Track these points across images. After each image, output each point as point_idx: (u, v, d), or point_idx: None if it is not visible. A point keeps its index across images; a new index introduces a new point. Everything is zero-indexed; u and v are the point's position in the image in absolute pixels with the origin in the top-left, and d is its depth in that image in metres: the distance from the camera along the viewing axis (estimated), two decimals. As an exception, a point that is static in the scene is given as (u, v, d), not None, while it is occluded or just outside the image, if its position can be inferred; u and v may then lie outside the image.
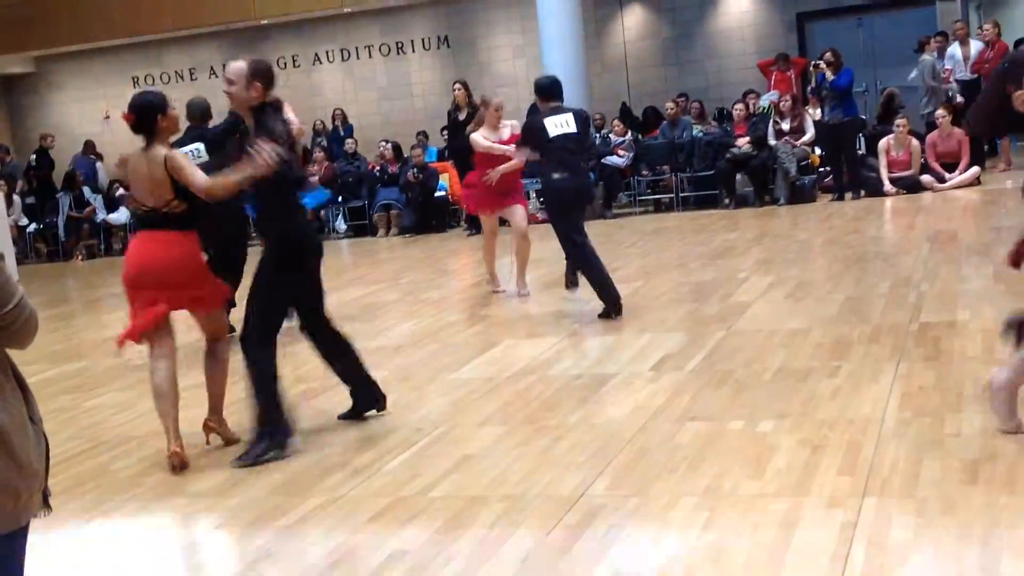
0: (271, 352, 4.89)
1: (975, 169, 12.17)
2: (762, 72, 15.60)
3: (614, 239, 11.17)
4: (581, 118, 7.43)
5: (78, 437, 5.59)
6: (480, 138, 8.20)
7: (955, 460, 3.87)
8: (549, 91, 7.43)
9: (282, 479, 4.54)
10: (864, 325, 6.12)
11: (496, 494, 4.08)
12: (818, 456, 4.08)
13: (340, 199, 15.01)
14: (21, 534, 2.23)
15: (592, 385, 5.56)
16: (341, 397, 5.76)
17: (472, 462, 4.49)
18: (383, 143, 15.22)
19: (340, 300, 7.91)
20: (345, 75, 18.89)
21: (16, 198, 16.75)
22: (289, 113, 7.21)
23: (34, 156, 17.35)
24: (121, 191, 16.41)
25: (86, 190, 16.45)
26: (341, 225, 15.11)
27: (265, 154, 4.52)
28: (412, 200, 14.28)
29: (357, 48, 18.76)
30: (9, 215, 15.85)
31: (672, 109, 14.19)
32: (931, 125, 12.59)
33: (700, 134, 13.85)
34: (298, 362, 6.64)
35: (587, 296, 7.37)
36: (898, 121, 12.37)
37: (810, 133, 12.98)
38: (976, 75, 13.03)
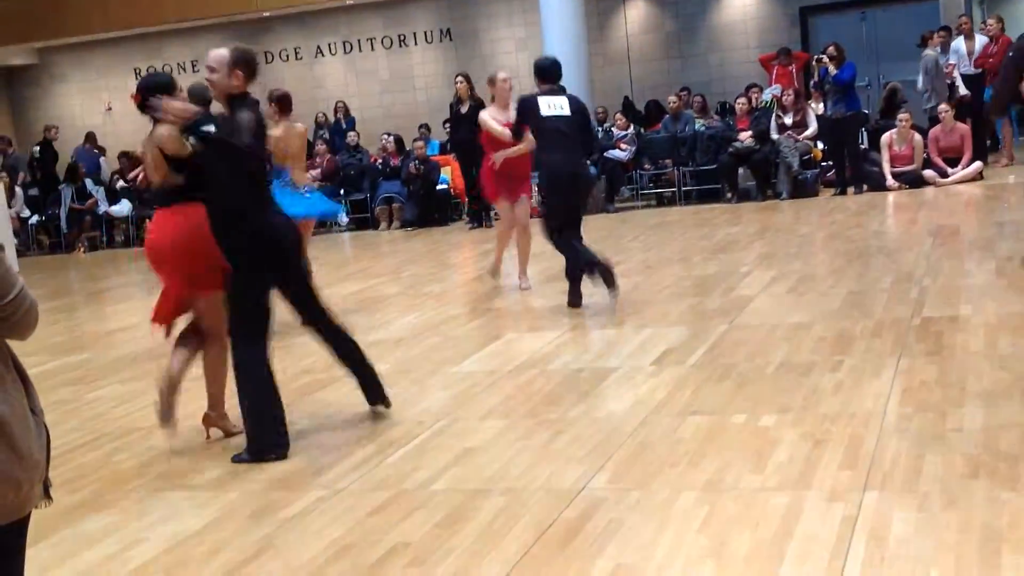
0: (260, 354, 4.72)
1: (977, 164, 12.16)
2: (763, 67, 15.58)
3: (616, 233, 11.16)
4: (578, 106, 7.37)
5: (80, 429, 5.59)
6: (488, 117, 8.16)
7: (956, 455, 3.87)
8: (547, 72, 7.41)
9: (283, 472, 4.55)
10: (866, 320, 6.12)
11: (497, 487, 4.08)
12: (820, 450, 4.08)
13: (342, 192, 15.00)
14: (22, 524, 2.23)
15: (594, 379, 5.56)
16: (346, 390, 5.76)
17: (473, 455, 4.50)
18: (385, 136, 15.20)
19: (341, 293, 7.91)
20: (347, 67, 18.87)
21: (18, 190, 16.75)
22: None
23: (37, 148, 17.34)
24: (121, 183, 16.45)
25: (88, 182, 16.45)
26: (343, 218, 15.11)
27: (169, 104, 4.54)
28: (414, 193, 14.27)
29: (359, 40, 18.74)
30: (11, 207, 15.89)
31: (675, 103, 14.17)
32: (934, 120, 12.58)
33: (702, 128, 13.83)
34: (301, 354, 6.64)
35: (588, 291, 7.36)
36: (901, 116, 12.35)
37: (813, 127, 12.97)
38: (980, 69, 13.01)
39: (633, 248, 10.12)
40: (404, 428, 4.98)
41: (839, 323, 6.11)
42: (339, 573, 3.49)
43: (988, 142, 13.45)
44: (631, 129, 14.21)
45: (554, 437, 4.61)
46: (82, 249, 15.92)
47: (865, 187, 12.30)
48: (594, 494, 3.90)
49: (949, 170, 12.12)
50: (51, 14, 17.95)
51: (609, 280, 6.98)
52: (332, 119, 16.94)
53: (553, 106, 7.23)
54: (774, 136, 12.89)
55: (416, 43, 18.49)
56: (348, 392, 5.49)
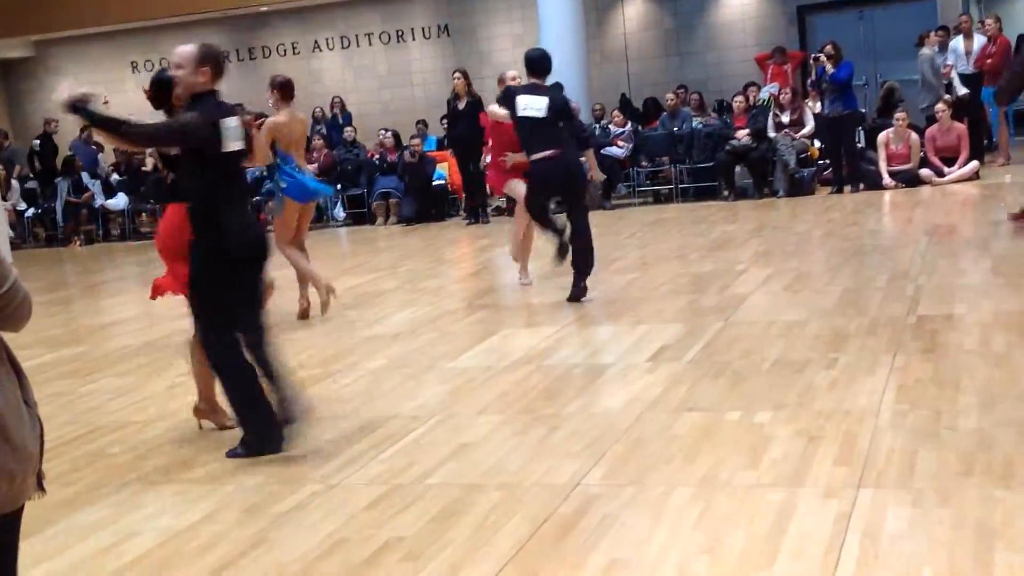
0: (233, 350, 4.66)
1: (974, 163, 12.17)
2: (759, 66, 15.60)
3: (613, 230, 11.16)
4: (557, 107, 7.33)
5: (75, 422, 5.59)
6: (497, 108, 8.15)
7: (951, 452, 3.88)
8: (534, 64, 7.43)
9: (277, 467, 4.54)
10: (862, 317, 6.12)
11: (492, 482, 4.08)
12: (814, 447, 4.09)
13: (339, 187, 14.99)
14: (15, 517, 2.23)
15: (590, 375, 5.56)
16: (339, 384, 5.78)
17: (469, 450, 4.50)
18: (383, 131, 15.19)
19: (338, 288, 7.89)
20: (345, 63, 18.85)
21: (15, 182, 16.73)
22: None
23: (37, 141, 17.29)
24: (116, 176, 16.43)
25: (85, 175, 16.43)
26: (340, 213, 15.10)
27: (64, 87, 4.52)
28: (411, 189, 14.26)
29: (357, 36, 18.73)
30: (8, 199, 15.86)
31: (672, 100, 14.18)
32: (931, 119, 12.59)
33: (700, 126, 13.83)
34: (296, 350, 6.64)
35: (589, 287, 7.37)
36: (898, 115, 12.36)
37: (810, 126, 12.97)
38: (978, 70, 13.01)
39: (630, 245, 10.12)
40: (400, 423, 4.98)
41: (834, 321, 6.12)
42: (333, 568, 3.50)
43: (985, 142, 13.46)
44: (628, 126, 14.21)
45: (550, 433, 4.61)
46: (78, 242, 15.90)
47: (862, 186, 12.31)
48: (589, 490, 3.91)
49: (946, 169, 12.12)
50: (48, 7, 17.91)
51: (561, 253, 7.35)
52: (329, 114, 16.93)
53: (528, 108, 7.27)
54: (771, 134, 12.89)
55: (414, 39, 18.48)
56: (342, 387, 5.50)
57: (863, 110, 13.82)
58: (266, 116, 7.71)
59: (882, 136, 12.35)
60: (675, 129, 13.82)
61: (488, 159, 9.59)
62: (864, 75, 15.46)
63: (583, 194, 7.80)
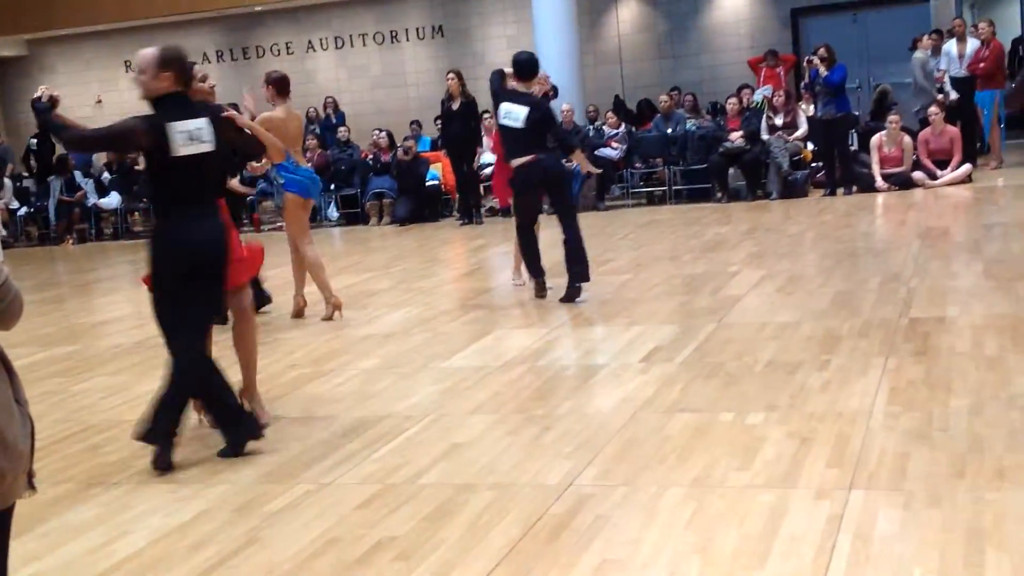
0: (198, 353, 4.64)
1: (967, 166, 12.20)
2: (752, 69, 15.62)
3: (606, 231, 11.17)
4: (537, 117, 7.29)
5: (67, 420, 5.57)
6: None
7: (942, 454, 3.89)
8: (520, 67, 7.45)
9: (270, 466, 4.54)
10: (854, 319, 6.14)
11: (485, 482, 4.08)
12: (806, 448, 4.09)
13: (332, 187, 14.98)
14: (6, 515, 2.23)
15: (582, 376, 5.57)
16: (332, 384, 5.77)
17: (461, 450, 4.50)
18: (377, 132, 15.19)
19: (332, 288, 7.88)
20: (339, 63, 18.84)
21: (7, 181, 16.68)
22: (248, 102, 7.24)
23: (34, 140, 17.22)
24: (108, 175, 16.40)
25: (77, 174, 16.39)
26: (333, 213, 15.08)
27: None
28: (405, 189, 14.26)
29: (351, 36, 18.72)
30: (0, 198, 15.80)
31: (666, 102, 14.19)
32: (924, 122, 12.61)
33: (693, 128, 13.84)
34: (288, 349, 6.64)
35: (583, 288, 7.37)
36: (891, 118, 12.38)
37: (803, 128, 13.00)
38: (971, 73, 13.04)
39: (623, 246, 10.13)
40: (392, 423, 4.98)
41: (827, 323, 6.13)
42: (325, 567, 3.49)
43: (978, 145, 13.50)
44: (622, 128, 14.22)
45: (542, 433, 4.62)
46: (70, 241, 15.87)
47: (855, 188, 12.33)
48: (581, 490, 3.91)
49: (938, 172, 12.15)
50: (41, 6, 17.89)
51: (539, 293, 7.59)
52: (323, 114, 16.91)
53: (507, 116, 7.33)
54: (764, 136, 12.91)
55: (408, 39, 18.48)
56: (335, 386, 5.49)
57: (856, 113, 13.85)
58: (237, 107, 7.69)
59: (875, 139, 12.37)
60: (669, 131, 13.83)
61: (493, 169, 9.61)
62: (857, 78, 15.49)
63: (567, 192, 7.82)
